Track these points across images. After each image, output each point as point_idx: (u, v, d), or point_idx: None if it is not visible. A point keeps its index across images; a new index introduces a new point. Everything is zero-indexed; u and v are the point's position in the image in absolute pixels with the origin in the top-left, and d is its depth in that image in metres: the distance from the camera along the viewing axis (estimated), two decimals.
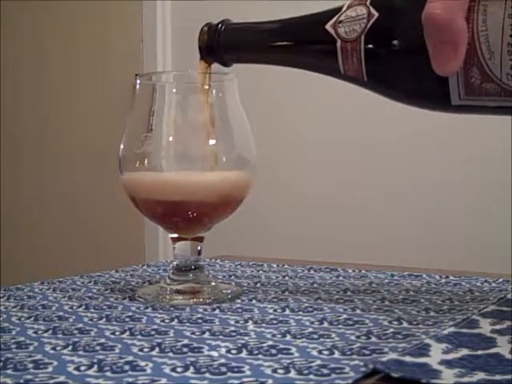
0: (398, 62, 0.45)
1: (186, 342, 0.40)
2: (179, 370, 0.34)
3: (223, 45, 0.53)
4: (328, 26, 0.47)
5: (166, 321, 0.45)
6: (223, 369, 0.34)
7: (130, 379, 0.33)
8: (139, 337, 0.41)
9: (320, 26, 0.47)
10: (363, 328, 0.42)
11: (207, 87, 0.54)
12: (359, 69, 0.46)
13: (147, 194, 0.54)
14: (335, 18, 0.46)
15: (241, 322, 0.45)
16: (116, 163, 0.55)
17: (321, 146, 1.92)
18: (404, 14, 0.44)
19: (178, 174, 0.55)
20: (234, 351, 0.37)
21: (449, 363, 0.33)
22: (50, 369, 0.35)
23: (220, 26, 0.53)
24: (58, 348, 0.39)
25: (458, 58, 0.40)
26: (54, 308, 0.50)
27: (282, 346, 0.38)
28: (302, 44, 0.50)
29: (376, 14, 0.45)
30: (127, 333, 0.42)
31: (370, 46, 0.45)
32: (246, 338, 0.40)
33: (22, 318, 0.46)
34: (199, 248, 0.55)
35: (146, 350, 0.38)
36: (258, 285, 0.59)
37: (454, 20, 0.39)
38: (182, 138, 0.55)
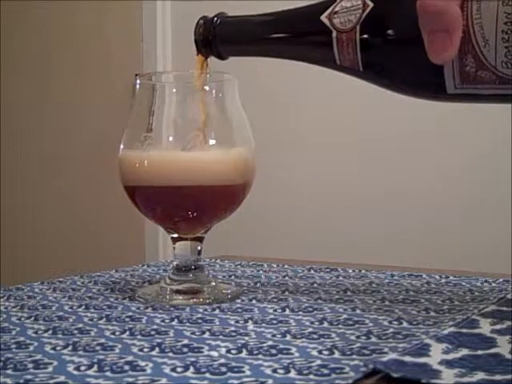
0: (394, 52, 0.45)
1: (185, 342, 0.40)
2: (179, 369, 0.34)
3: (219, 38, 0.53)
4: (323, 17, 0.47)
5: (166, 321, 0.45)
6: (223, 369, 0.34)
7: (130, 379, 0.33)
8: (139, 337, 0.41)
9: (315, 17, 0.47)
10: (363, 328, 0.42)
11: (206, 87, 0.54)
12: (355, 59, 0.46)
13: (152, 179, 0.53)
14: (330, 9, 0.47)
15: (241, 322, 0.45)
16: (116, 163, 0.54)
17: (321, 146, 1.92)
18: (399, 4, 0.45)
19: (183, 153, 0.53)
20: (233, 351, 0.37)
21: (449, 363, 0.33)
22: (50, 369, 0.35)
23: (215, 19, 0.53)
24: (58, 348, 0.38)
25: (453, 46, 0.40)
26: (54, 308, 0.50)
27: (282, 346, 0.38)
28: (298, 35, 0.50)
29: (371, 4, 0.45)
30: (127, 333, 0.42)
31: (366, 36, 0.45)
32: (246, 337, 0.40)
33: (22, 318, 0.46)
34: (199, 248, 0.55)
35: (146, 349, 0.38)
36: (258, 285, 0.59)
37: (448, 8, 0.39)
38: (182, 138, 0.54)
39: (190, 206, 0.54)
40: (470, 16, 0.40)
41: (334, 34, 0.46)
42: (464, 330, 0.39)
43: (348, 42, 0.46)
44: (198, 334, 0.42)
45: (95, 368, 0.35)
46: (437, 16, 0.39)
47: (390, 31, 0.45)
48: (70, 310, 0.49)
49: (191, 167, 0.52)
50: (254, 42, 0.53)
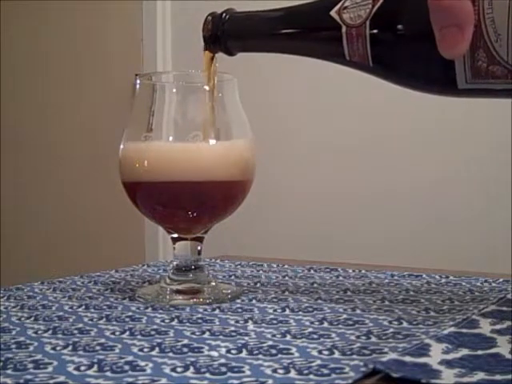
0: (404, 47, 0.45)
1: (185, 342, 0.40)
2: (179, 369, 0.34)
3: (228, 33, 0.52)
4: (333, 12, 0.47)
5: (166, 321, 0.45)
6: (223, 369, 0.34)
7: (130, 379, 0.33)
8: (139, 337, 0.41)
9: (325, 13, 0.47)
10: (363, 328, 0.42)
11: (207, 88, 0.54)
12: (364, 54, 0.46)
13: (155, 172, 0.53)
14: (340, 4, 0.46)
15: (241, 321, 0.45)
16: (116, 163, 0.54)
17: (321, 146, 1.92)
18: None
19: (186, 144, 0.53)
20: (233, 351, 0.37)
21: (449, 363, 0.33)
22: (50, 369, 0.35)
23: (224, 14, 0.52)
24: (58, 348, 0.38)
25: (465, 41, 0.39)
26: (54, 308, 0.50)
27: (282, 346, 0.38)
28: (307, 31, 0.50)
29: None
30: (127, 333, 0.42)
31: (376, 31, 0.45)
32: (246, 337, 0.40)
33: (22, 318, 0.46)
34: (199, 248, 0.55)
35: (146, 349, 0.38)
36: (258, 285, 0.59)
37: (459, 2, 0.39)
38: (182, 138, 0.54)
39: (190, 204, 0.53)
40: (482, 10, 0.40)
41: (344, 29, 0.46)
42: (464, 330, 0.39)
43: (358, 38, 0.46)
44: (198, 334, 0.42)
45: (95, 368, 0.35)
46: (448, 11, 0.39)
47: (400, 26, 0.44)
48: (70, 309, 0.49)
49: (191, 162, 0.52)
50: (263, 38, 0.53)
